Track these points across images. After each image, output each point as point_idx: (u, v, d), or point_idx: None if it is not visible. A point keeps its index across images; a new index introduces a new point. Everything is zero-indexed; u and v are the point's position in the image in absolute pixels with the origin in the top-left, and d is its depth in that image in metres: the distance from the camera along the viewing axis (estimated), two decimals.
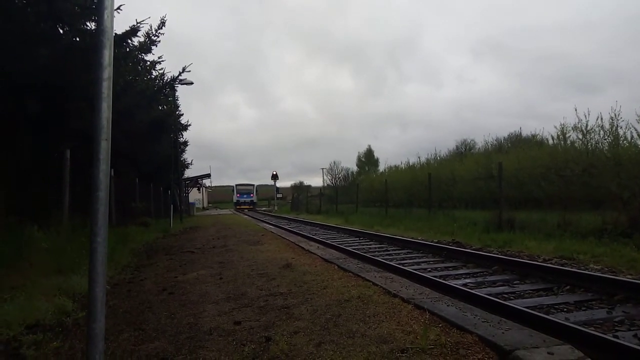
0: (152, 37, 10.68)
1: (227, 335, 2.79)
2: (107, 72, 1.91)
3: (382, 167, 44.20)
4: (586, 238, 7.89)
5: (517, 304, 3.96)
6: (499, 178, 11.31)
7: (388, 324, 2.85)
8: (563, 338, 2.56)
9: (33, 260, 5.02)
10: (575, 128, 12.69)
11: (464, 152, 34.77)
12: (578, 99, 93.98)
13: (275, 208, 44.27)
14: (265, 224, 17.26)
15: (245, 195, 55.04)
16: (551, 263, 6.07)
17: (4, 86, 7.48)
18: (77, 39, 8.48)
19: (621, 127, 11.07)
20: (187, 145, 26.76)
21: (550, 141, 15.31)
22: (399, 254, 7.93)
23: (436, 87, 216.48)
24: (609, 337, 2.98)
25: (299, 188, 63.42)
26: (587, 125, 12.10)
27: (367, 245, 9.56)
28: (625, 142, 10.86)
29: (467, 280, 5.33)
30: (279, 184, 48.31)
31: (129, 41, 9.78)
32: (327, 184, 54.00)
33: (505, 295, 4.50)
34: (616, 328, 3.37)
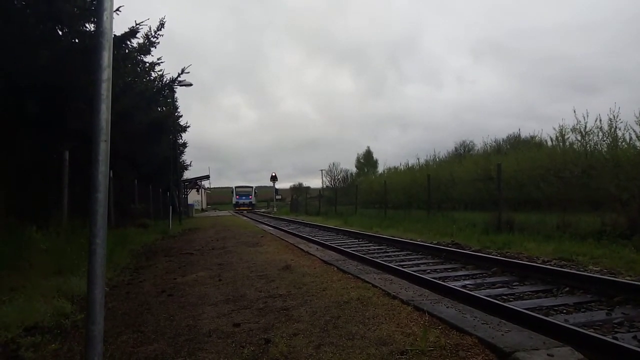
0: (152, 38, 10.72)
1: (226, 337, 2.79)
2: (107, 74, 1.91)
3: (381, 169, 44.36)
4: (585, 239, 7.89)
5: (516, 305, 3.96)
6: (498, 179, 11.31)
7: (387, 326, 2.84)
8: (563, 340, 2.56)
9: (32, 261, 5.01)
10: (574, 129, 12.77)
11: (463, 153, 34.79)
12: (578, 99, 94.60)
13: (275, 209, 44.28)
14: (264, 226, 17.25)
15: (244, 197, 55.22)
16: (550, 264, 6.07)
17: (4, 86, 7.47)
18: (77, 41, 8.49)
19: (620, 129, 11.13)
20: (186, 146, 26.86)
21: (549, 143, 15.39)
22: (398, 255, 7.92)
23: (436, 87, 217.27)
24: (609, 338, 2.98)
25: (298, 189, 63.45)
26: (585, 127, 12.16)
27: (366, 246, 9.55)
28: (624, 143, 10.91)
29: (467, 282, 5.33)
30: (278, 185, 48.42)
31: (128, 43, 9.80)
32: (327, 186, 54.06)
33: (505, 297, 4.49)
34: (616, 330, 3.37)
